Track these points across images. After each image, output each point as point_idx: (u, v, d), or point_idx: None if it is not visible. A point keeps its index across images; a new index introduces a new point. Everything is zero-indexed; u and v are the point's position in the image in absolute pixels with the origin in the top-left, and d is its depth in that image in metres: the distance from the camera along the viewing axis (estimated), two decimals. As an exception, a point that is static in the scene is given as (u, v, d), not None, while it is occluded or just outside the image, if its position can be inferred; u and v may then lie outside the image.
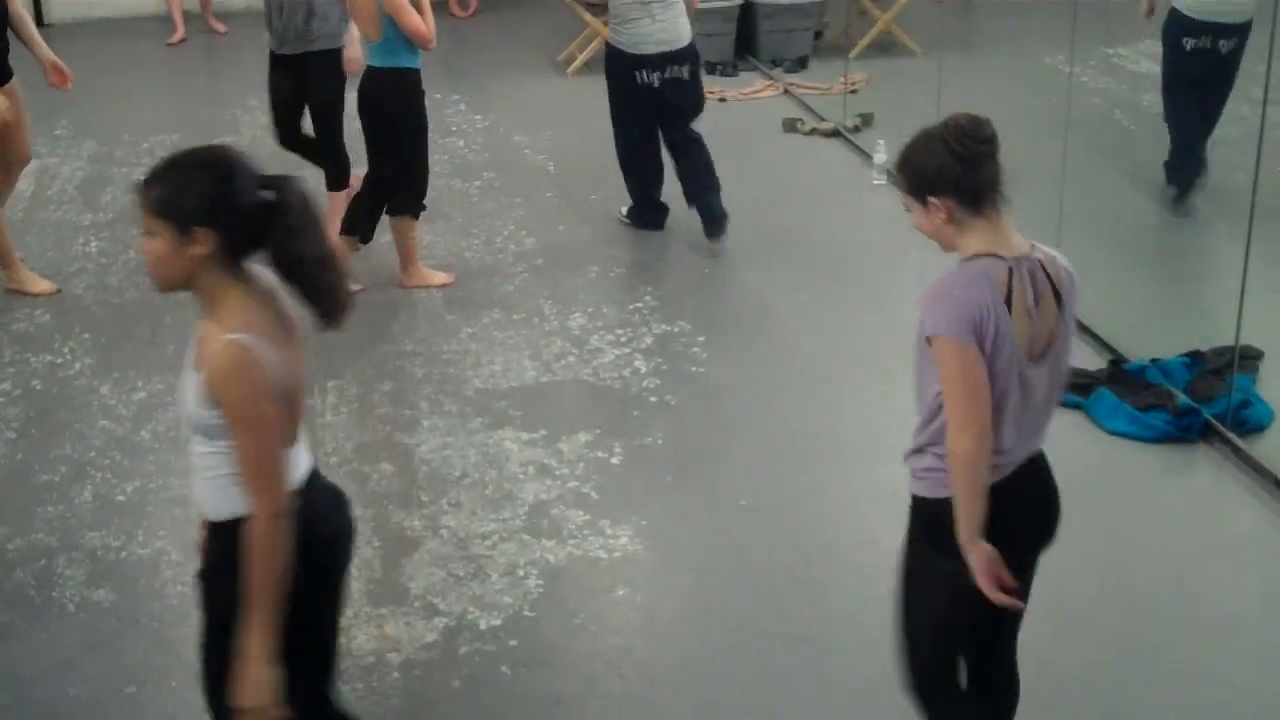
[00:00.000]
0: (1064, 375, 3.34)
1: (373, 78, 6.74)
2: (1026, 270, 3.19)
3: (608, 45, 7.78)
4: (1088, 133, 8.24)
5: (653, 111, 7.63)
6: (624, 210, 7.97)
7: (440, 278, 7.21)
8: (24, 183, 8.37)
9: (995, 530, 3.23)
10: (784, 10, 11.29)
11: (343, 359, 6.40)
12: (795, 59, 11.21)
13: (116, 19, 12.96)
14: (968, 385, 3.11)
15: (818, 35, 11.70)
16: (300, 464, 3.13)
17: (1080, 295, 3.30)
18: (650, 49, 7.47)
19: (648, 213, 7.89)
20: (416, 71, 6.75)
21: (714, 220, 7.59)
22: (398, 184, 6.97)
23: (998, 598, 3.20)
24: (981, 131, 3.18)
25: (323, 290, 3.00)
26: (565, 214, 8.21)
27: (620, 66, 7.60)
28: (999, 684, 3.61)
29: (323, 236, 3.03)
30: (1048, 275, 3.22)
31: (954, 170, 3.16)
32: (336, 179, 7.48)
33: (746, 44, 11.41)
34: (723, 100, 10.30)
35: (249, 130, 9.56)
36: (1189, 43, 7.84)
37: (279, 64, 7.36)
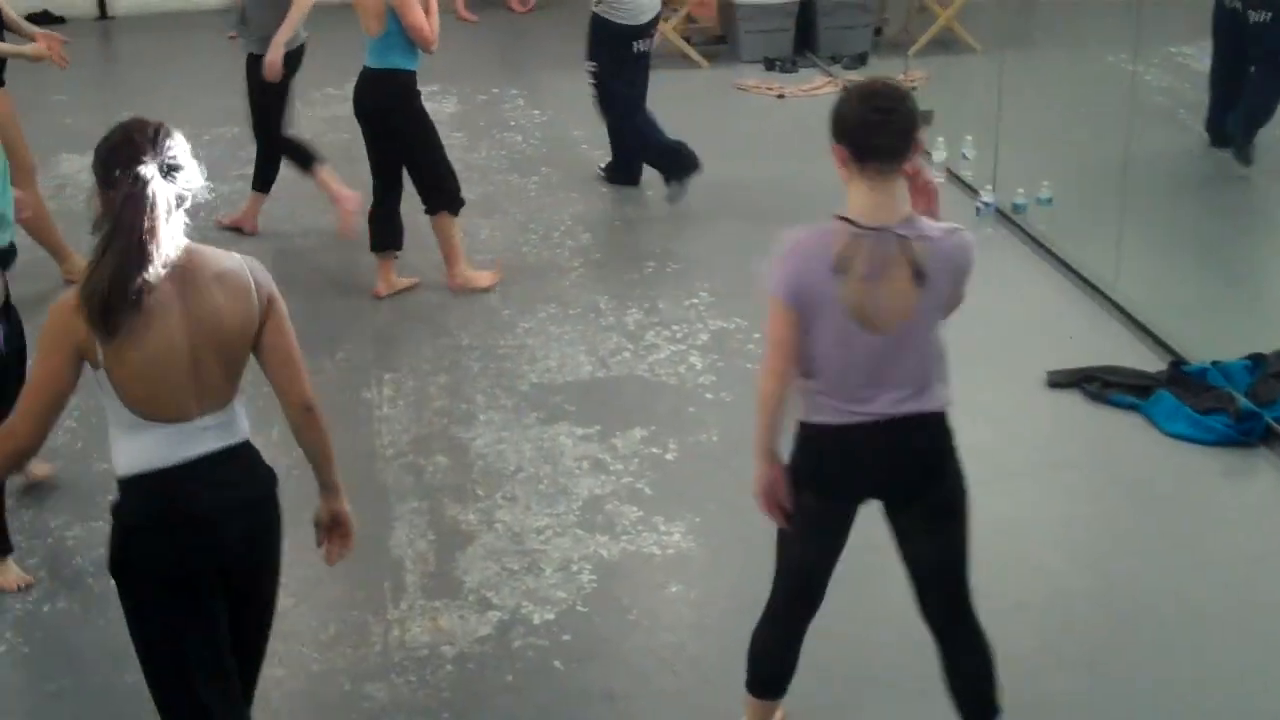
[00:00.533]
0: (927, 348, 3.42)
1: (366, 80, 6.65)
2: (873, 243, 3.30)
3: (602, 21, 8.04)
4: (1151, 132, 8.16)
5: (642, 77, 8.20)
6: (667, 188, 8.08)
7: (486, 279, 7.05)
8: (86, 175, 8.44)
9: (835, 468, 3.54)
10: (844, 6, 11.24)
11: (399, 352, 6.44)
12: (855, 55, 11.16)
13: (179, 12, 13.05)
14: (776, 339, 3.42)
15: (878, 31, 11.65)
16: (175, 447, 3.18)
17: (964, 274, 3.41)
18: (645, 18, 7.98)
19: (678, 160, 8.07)
20: (411, 74, 6.61)
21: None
22: (423, 185, 6.86)
23: (768, 509, 3.59)
24: (878, 100, 3.33)
25: (97, 273, 3.04)
26: (622, 209, 8.21)
27: (617, 39, 7.97)
28: (960, 642, 3.69)
29: (126, 231, 3.03)
30: (910, 253, 3.30)
31: (850, 123, 3.34)
32: (260, 180, 7.71)
33: (806, 40, 11.37)
34: (781, 97, 10.27)
35: (310, 125, 9.62)
36: (1223, 5, 8.06)
37: (248, 61, 7.53)
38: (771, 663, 3.85)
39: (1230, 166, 8.23)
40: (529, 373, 6.21)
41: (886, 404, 3.42)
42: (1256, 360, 6.01)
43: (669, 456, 5.53)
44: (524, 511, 5.18)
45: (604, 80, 8.12)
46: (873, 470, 3.54)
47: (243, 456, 3.32)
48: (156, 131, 3.09)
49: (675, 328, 6.59)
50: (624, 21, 7.93)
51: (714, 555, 4.95)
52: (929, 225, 3.39)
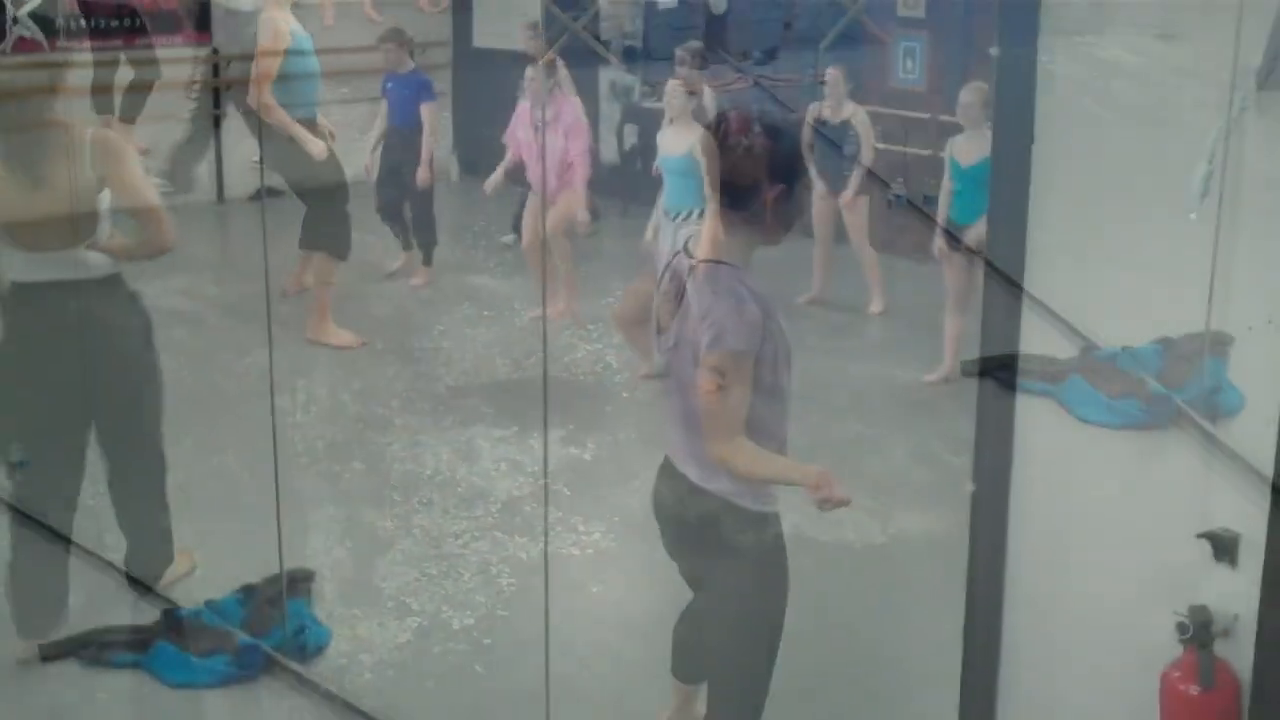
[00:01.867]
0: (688, 400, 3.34)
1: None
2: (678, 264, 3.31)
3: None
4: (1058, 118, 8.24)
5: None
6: None
7: (345, 337, 6.63)
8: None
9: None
10: (754, 2, 11.27)
11: (313, 358, 6.37)
12: (765, 50, 11.19)
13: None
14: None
15: (787, 26, 11.68)
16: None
17: (705, 336, 3.23)
18: None
19: None
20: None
21: None
22: (307, 222, 6.65)
23: None
24: (714, 127, 3.27)
25: None
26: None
27: None
28: None
29: None
30: (681, 278, 3.29)
31: None
32: None
33: (716, 36, 11.38)
34: (692, 94, 10.25)
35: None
36: None
37: None
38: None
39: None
40: (445, 375, 6.18)
41: (670, 439, 3.45)
42: (1165, 344, 6.07)
43: (587, 456, 5.52)
44: (442, 515, 5.14)
45: None
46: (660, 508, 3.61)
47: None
48: None
49: (591, 327, 6.57)
50: None
51: (633, 554, 4.93)
52: (725, 279, 3.27)
